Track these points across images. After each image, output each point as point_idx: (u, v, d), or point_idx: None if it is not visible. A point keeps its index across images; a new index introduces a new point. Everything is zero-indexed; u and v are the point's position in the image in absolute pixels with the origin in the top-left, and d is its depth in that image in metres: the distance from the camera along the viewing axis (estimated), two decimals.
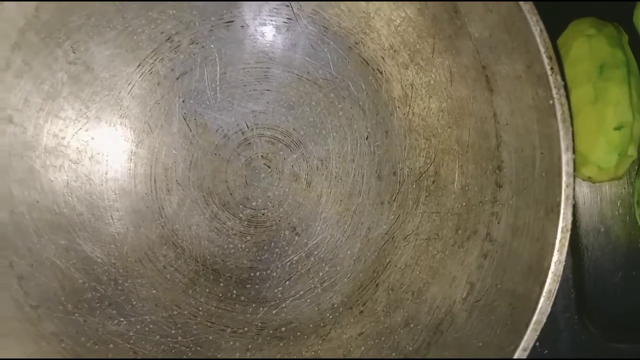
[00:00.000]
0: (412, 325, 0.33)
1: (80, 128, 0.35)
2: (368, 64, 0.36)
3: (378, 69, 0.36)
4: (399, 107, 0.36)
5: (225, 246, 0.37)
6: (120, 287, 0.35)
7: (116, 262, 0.35)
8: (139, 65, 0.35)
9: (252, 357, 0.35)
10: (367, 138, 0.37)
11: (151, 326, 0.35)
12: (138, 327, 0.34)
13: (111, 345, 0.33)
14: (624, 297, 0.39)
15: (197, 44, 0.36)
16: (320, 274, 0.37)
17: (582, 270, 0.39)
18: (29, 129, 0.33)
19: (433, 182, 0.36)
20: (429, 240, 0.35)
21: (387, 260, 0.36)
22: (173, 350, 0.34)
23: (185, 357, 0.34)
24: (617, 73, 0.34)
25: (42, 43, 0.32)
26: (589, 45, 0.35)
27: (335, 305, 0.36)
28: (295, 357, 0.35)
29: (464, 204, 0.33)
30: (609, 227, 0.39)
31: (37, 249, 0.33)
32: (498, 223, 0.30)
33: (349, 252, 0.37)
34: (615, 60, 0.34)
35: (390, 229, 0.37)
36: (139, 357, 0.33)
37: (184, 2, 0.34)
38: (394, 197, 0.37)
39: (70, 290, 0.33)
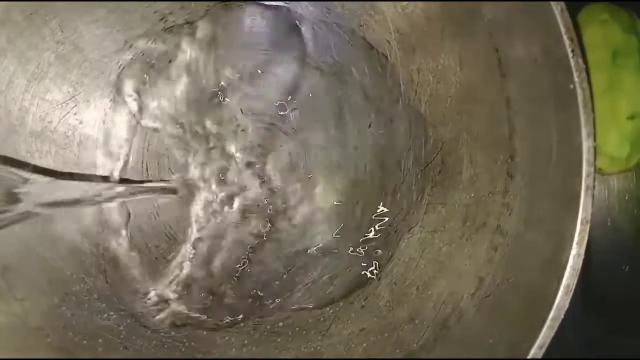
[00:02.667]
0: (416, 321, 0.32)
1: (68, 112, 0.34)
2: (372, 47, 0.35)
3: (383, 53, 0.35)
4: (404, 93, 0.35)
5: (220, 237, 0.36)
6: (109, 280, 0.34)
7: (105, 253, 0.34)
8: (130, 47, 0.34)
9: (248, 353, 0.34)
10: (370, 126, 0.36)
11: (142, 320, 0.34)
12: (129, 321, 0.33)
13: (100, 340, 0.32)
14: (629, 290, 0.39)
15: (192, 24, 0.35)
16: (319, 267, 0.36)
17: (588, 264, 0.39)
18: (13, 112, 0.32)
19: (439, 172, 0.35)
20: (435, 232, 0.34)
21: (390, 253, 0.36)
22: (165, 346, 0.33)
23: (178, 352, 0.33)
24: (630, 61, 0.34)
25: (28, 21, 0.31)
26: (602, 31, 0.35)
27: (336, 300, 0.36)
28: (293, 353, 0.34)
29: (472, 195, 0.33)
30: (616, 220, 0.39)
31: (22, 239, 0.32)
32: (509, 215, 0.30)
33: (349, 244, 0.36)
34: (629, 47, 0.34)
35: (394, 221, 0.36)
36: (129, 352, 0.32)
37: None
38: (397, 188, 0.36)
39: (57, 282, 0.33)
